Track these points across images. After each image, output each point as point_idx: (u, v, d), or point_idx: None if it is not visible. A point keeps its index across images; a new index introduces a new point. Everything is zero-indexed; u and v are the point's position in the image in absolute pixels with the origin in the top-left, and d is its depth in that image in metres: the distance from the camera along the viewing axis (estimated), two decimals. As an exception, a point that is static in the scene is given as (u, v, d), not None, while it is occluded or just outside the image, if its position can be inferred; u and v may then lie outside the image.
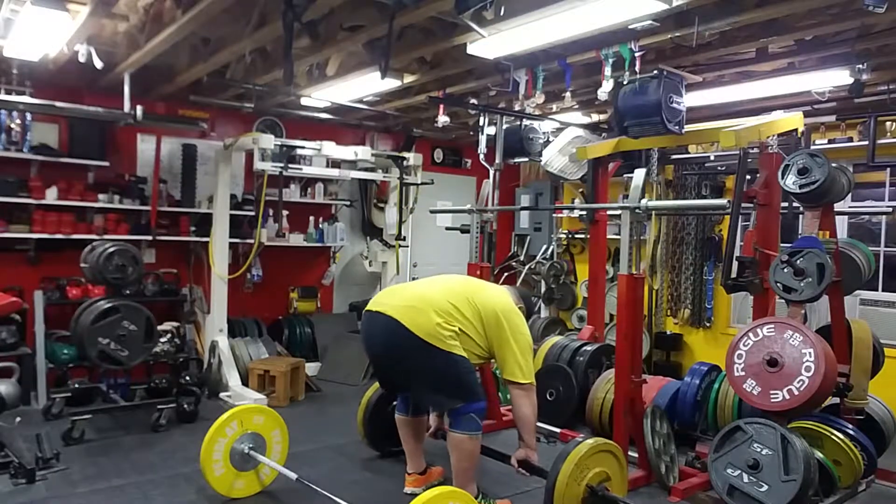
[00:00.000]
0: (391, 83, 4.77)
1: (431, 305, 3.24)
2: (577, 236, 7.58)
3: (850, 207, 5.60)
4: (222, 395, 5.37)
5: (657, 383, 4.54)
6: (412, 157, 6.42)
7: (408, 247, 7.08)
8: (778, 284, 3.57)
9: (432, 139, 7.70)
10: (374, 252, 6.84)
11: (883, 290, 5.59)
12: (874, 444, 3.86)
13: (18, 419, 4.14)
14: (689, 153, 6.20)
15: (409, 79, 4.83)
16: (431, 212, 6.13)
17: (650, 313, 6.66)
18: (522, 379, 3.27)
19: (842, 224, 5.57)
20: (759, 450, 3.15)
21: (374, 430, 4.06)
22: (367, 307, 3.47)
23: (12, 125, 5.16)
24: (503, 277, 7.32)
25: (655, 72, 3.82)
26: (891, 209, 5.41)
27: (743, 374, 3.32)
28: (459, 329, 3.23)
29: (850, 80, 4.18)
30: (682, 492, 3.67)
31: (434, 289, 3.39)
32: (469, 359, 3.27)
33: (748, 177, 4.23)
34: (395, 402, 3.80)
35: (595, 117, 6.23)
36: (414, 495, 3.42)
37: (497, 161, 5.63)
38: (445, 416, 3.45)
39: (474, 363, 3.34)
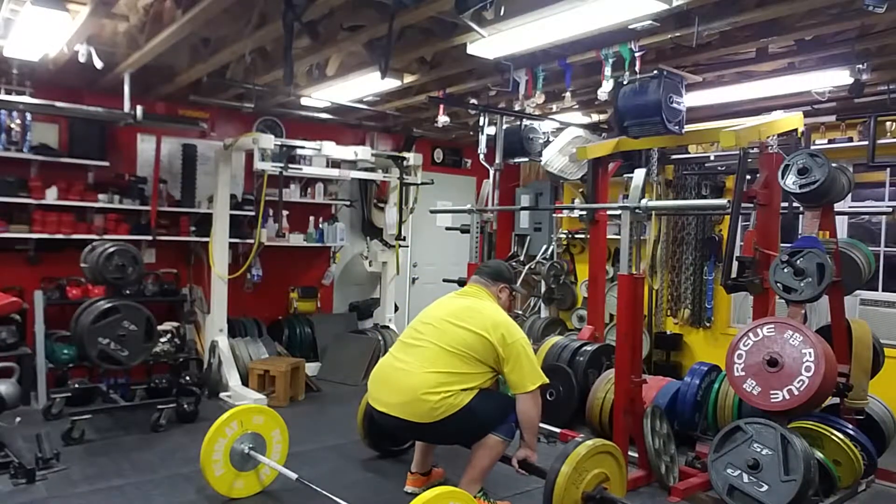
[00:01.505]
0: (391, 83, 4.77)
1: (423, 389, 3.15)
2: (577, 236, 7.57)
3: (850, 207, 5.59)
4: (222, 395, 5.37)
5: (657, 383, 4.54)
6: (412, 157, 6.42)
7: (408, 247, 7.09)
8: (778, 284, 3.57)
9: (432, 139, 7.70)
10: (374, 252, 6.85)
11: (883, 290, 5.59)
12: (874, 444, 3.86)
13: (18, 419, 4.14)
14: (689, 153, 6.20)
15: (409, 79, 4.83)
16: (431, 212, 6.14)
17: (650, 313, 6.66)
18: (532, 387, 3.23)
19: (842, 224, 5.57)
20: (759, 450, 3.15)
21: (373, 431, 4.06)
22: (370, 401, 3.43)
23: (12, 125, 5.16)
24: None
25: (655, 72, 3.83)
26: (891, 209, 5.41)
27: (743, 374, 3.33)
28: (461, 389, 3.17)
29: (850, 80, 4.18)
30: (682, 492, 3.67)
31: (417, 364, 3.24)
32: (485, 385, 3.27)
33: (748, 177, 4.23)
34: None
35: (595, 117, 6.23)
36: (414, 495, 3.42)
37: (497, 161, 5.64)
38: None
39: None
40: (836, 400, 3.92)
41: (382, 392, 3.35)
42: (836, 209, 4.08)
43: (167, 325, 5.48)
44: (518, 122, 5.66)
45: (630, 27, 3.60)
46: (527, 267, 7.41)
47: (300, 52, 4.28)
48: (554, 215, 7.63)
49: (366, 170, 6.50)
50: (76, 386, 4.88)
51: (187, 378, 5.07)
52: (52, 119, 5.40)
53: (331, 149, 5.69)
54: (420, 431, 3.37)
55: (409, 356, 3.32)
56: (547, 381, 3.34)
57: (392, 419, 3.28)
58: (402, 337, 3.50)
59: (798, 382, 3.17)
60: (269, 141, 5.29)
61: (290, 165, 5.56)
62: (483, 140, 5.63)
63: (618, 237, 4.26)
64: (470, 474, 3.28)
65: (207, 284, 5.90)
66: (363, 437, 4.11)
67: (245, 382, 5.43)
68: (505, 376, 3.27)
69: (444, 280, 6.71)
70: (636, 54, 3.95)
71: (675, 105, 3.86)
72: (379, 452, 4.16)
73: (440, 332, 3.30)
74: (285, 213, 6.15)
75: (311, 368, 6.11)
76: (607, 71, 4.14)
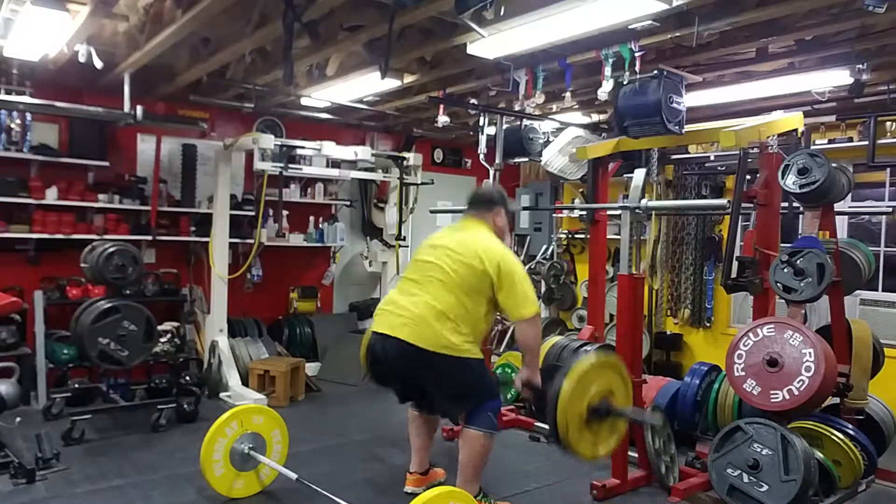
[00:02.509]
0: (391, 83, 4.77)
1: (431, 316, 3.18)
2: (577, 236, 7.57)
3: (850, 207, 5.59)
4: (222, 395, 5.37)
5: (657, 383, 4.54)
6: (412, 157, 6.42)
7: (408, 247, 7.07)
8: (778, 284, 3.57)
9: (432, 139, 7.70)
10: (374, 252, 6.85)
11: (883, 290, 5.59)
12: (874, 444, 3.86)
13: (18, 419, 4.13)
14: (689, 153, 6.20)
15: (409, 79, 4.83)
16: (431, 212, 6.13)
17: (650, 313, 6.66)
18: (527, 313, 3.21)
19: (842, 224, 5.57)
20: (759, 450, 3.15)
21: (376, 365, 3.81)
22: (374, 328, 3.38)
23: (12, 125, 5.16)
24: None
25: (655, 72, 3.82)
26: (891, 209, 5.40)
27: (743, 374, 3.32)
28: (465, 332, 3.18)
29: (850, 80, 4.19)
30: (682, 492, 3.66)
31: (424, 298, 3.26)
32: (487, 316, 3.28)
33: (748, 177, 4.23)
34: None
35: (595, 117, 6.23)
36: (414, 495, 3.41)
37: (497, 161, 5.62)
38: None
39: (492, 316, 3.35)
40: (836, 400, 3.92)
41: (388, 316, 3.32)
42: (836, 209, 4.08)
43: (167, 325, 5.47)
44: (518, 122, 5.65)
45: (630, 27, 3.60)
46: (527, 267, 7.43)
47: (300, 52, 4.28)
48: (554, 215, 7.63)
49: (366, 170, 6.50)
50: (76, 386, 4.88)
51: (187, 378, 5.07)
52: (52, 119, 5.40)
53: (331, 149, 5.69)
54: (416, 362, 3.23)
55: (416, 288, 3.32)
56: (539, 311, 3.30)
57: (393, 340, 3.22)
58: (406, 273, 3.48)
59: (798, 382, 3.17)
60: (269, 141, 5.29)
61: (290, 165, 5.56)
62: (483, 140, 5.62)
63: (618, 237, 4.26)
64: (463, 475, 3.27)
65: (207, 284, 5.90)
66: (366, 371, 3.70)
67: (245, 382, 5.43)
68: (501, 304, 3.24)
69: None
70: (636, 54, 3.95)
71: (675, 105, 3.85)
72: (383, 387, 3.79)
73: (440, 268, 3.28)
74: (285, 213, 6.16)
75: (311, 368, 6.11)
76: (607, 71, 4.14)
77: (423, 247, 3.53)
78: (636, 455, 3.85)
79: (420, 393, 3.48)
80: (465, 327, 3.21)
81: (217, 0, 3.32)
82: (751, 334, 3.36)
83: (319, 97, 5.44)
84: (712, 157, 6.03)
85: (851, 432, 3.75)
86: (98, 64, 4.30)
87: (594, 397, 2.96)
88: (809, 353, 3.18)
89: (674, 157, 6.26)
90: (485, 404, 3.27)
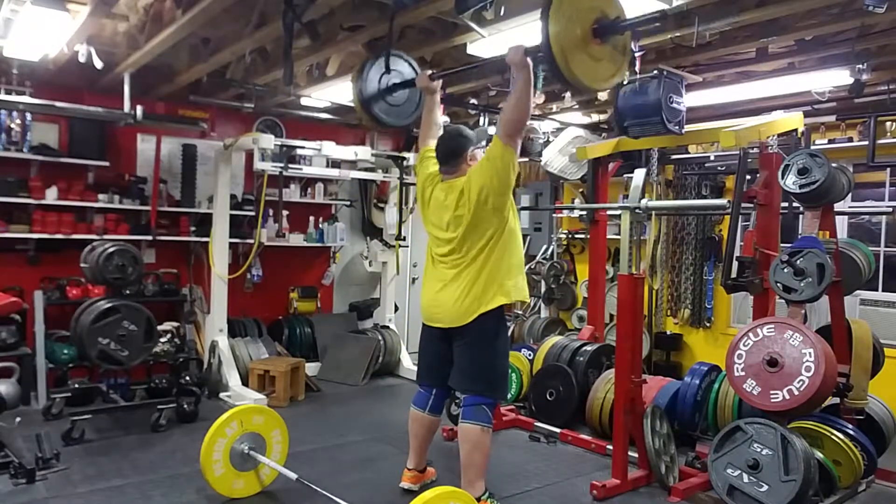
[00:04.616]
0: (391, 83, 4.76)
1: (465, 296, 3.29)
2: (577, 236, 7.57)
3: (850, 207, 5.59)
4: (222, 395, 5.37)
5: (657, 383, 4.54)
6: (412, 157, 6.42)
7: (408, 247, 7.08)
8: (778, 284, 3.57)
9: (432, 139, 7.68)
10: (374, 252, 6.84)
11: (883, 290, 5.58)
12: (874, 444, 3.86)
13: (18, 419, 4.13)
14: (689, 153, 6.20)
15: (409, 79, 4.83)
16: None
17: (650, 313, 6.66)
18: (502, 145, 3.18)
19: (842, 224, 5.57)
20: (759, 450, 3.15)
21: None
22: (425, 321, 3.52)
23: (12, 125, 5.16)
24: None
25: (655, 72, 3.83)
26: (891, 209, 5.40)
27: (743, 374, 3.33)
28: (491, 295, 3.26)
29: (850, 80, 4.19)
30: (682, 492, 3.66)
31: (451, 278, 3.40)
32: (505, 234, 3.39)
33: (748, 177, 4.23)
34: None
35: (595, 117, 6.23)
36: (410, 491, 3.45)
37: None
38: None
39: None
40: (836, 400, 3.92)
41: (432, 308, 3.44)
42: (836, 209, 4.08)
43: (167, 325, 5.47)
44: (518, 122, 5.65)
45: (630, 27, 3.60)
46: (527, 267, 7.43)
47: (300, 52, 4.29)
48: (554, 215, 7.63)
49: (366, 170, 6.49)
50: (76, 386, 4.87)
51: (187, 378, 5.07)
52: (52, 119, 5.40)
53: (331, 149, 5.69)
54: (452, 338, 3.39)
55: (443, 274, 3.48)
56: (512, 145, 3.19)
57: (439, 331, 3.39)
58: (433, 256, 3.66)
59: (798, 382, 3.17)
60: (269, 141, 5.28)
61: (290, 165, 5.55)
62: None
63: (618, 237, 4.26)
64: (467, 477, 3.26)
65: (207, 284, 5.90)
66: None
67: (245, 382, 5.43)
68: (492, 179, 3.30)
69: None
70: (636, 54, 3.94)
71: (675, 105, 3.86)
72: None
73: (461, 250, 3.43)
74: (285, 213, 6.15)
75: (311, 368, 6.11)
76: (607, 71, 4.14)
77: (432, 226, 3.70)
78: (636, 455, 3.86)
79: (448, 363, 3.50)
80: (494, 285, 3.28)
81: (217, 0, 3.33)
82: (751, 334, 3.36)
83: (319, 97, 5.44)
84: (712, 157, 6.02)
85: (851, 432, 3.75)
86: (98, 64, 4.30)
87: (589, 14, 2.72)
88: (809, 353, 3.18)
89: (674, 157, 6.25)
90: (484, 398, 3.28)
